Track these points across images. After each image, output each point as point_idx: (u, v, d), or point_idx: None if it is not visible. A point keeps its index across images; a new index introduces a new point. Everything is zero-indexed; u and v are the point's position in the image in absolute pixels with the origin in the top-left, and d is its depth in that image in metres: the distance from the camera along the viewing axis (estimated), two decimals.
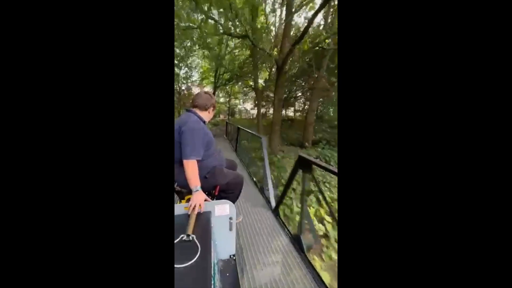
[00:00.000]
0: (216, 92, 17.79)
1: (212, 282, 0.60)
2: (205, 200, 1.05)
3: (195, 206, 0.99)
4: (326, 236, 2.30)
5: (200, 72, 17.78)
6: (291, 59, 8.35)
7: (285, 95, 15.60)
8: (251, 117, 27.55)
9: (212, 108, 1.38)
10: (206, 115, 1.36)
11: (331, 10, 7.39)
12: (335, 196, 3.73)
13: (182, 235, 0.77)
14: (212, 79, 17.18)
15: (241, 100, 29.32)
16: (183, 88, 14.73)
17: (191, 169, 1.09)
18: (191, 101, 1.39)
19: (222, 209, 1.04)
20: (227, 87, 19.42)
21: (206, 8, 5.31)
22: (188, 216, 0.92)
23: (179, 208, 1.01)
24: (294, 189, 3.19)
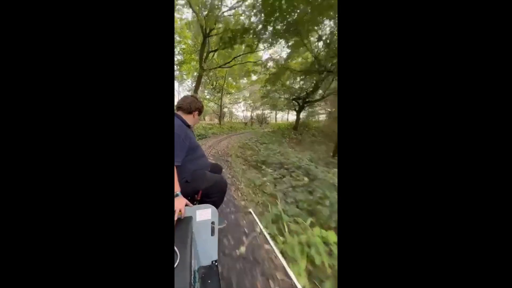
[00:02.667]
0: (203, 80, 11.62)
1: None
2: (186, 205, 0.96)
3: (174, 212, 0.90)
4: None
5: (179, 52, 11.37)
6: None
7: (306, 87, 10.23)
8: (250, 122, 21.73)
9: (197, 112, 1.27)
10: (191, 119, 1.25)
11: None
12: None
13: None
14: (195, 63, 11.12)
15: (227, 102, 23.30)
16: None
17: None
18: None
19: (203, 214, 0.98)
20: (217, 81, 13.49)
21: None
22: None
23: None
24: None
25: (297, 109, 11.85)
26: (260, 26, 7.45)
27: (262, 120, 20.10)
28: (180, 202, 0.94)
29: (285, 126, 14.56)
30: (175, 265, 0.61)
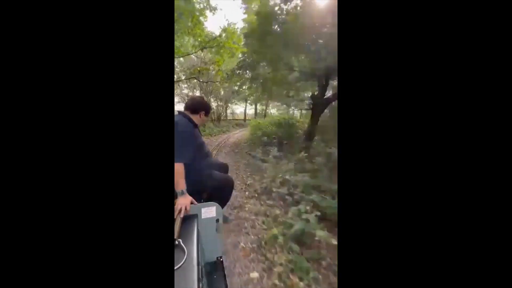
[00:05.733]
0: None
1: (200, 286, 0.60)
2: (192, 203, 1.00)
3: (180, 209, 0.92)
4: None
5: None
6: None
7: None
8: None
9: (203, 112, 1.30)
10: (197, 119, 1.29)
11: None
12: None
13: None
14: None
15: None
16: None
17: (176, 173, 1.04)
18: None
19: (208, 211, 1.00)
20: None
21: None
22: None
23: None
24: None
25: (316, 88, 5.63)
26: None
27: (218, 116, 13.04)
28: (185, 200, 0.95)
29: (273, 128, 8.19)
30: (183, 261, 0.62)
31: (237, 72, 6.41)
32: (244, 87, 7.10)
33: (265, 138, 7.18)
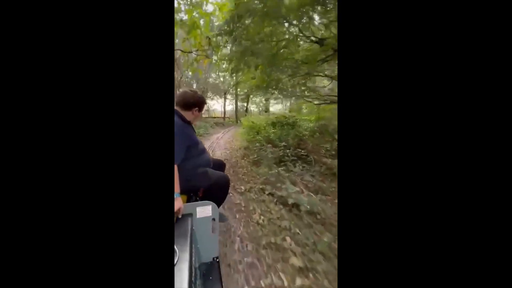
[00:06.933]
0: None
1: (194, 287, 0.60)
2: (177, 212, 0.94)
3: (174, 210, 0.88)
4: None
5: None
6: None
7: None
8: None
9: (196, 109, 1.21)
10: (190, 116, 1.21)
11: None
12: None
13: None
14: None
15: None
16: None
17: None
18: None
19: (204, 211, 0.98)
20: None
21: None
22: None
23: None
24: None
25: None
26: None
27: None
28: (177, 204, 0.90)
29: (276, 130, 5.81)
30: (174, 263, 0.60)
31: (223, 38, 3.77)
32: (233, 74, 4.53)
33: (270, 145, 4.78)
